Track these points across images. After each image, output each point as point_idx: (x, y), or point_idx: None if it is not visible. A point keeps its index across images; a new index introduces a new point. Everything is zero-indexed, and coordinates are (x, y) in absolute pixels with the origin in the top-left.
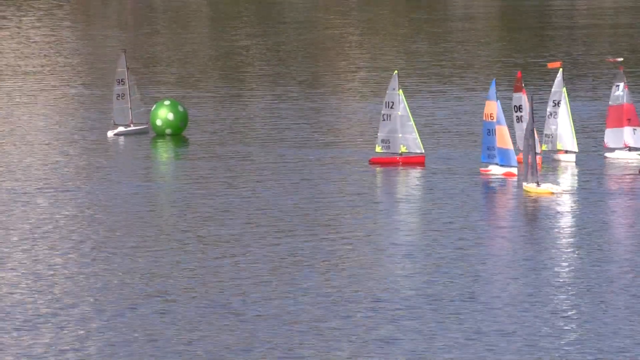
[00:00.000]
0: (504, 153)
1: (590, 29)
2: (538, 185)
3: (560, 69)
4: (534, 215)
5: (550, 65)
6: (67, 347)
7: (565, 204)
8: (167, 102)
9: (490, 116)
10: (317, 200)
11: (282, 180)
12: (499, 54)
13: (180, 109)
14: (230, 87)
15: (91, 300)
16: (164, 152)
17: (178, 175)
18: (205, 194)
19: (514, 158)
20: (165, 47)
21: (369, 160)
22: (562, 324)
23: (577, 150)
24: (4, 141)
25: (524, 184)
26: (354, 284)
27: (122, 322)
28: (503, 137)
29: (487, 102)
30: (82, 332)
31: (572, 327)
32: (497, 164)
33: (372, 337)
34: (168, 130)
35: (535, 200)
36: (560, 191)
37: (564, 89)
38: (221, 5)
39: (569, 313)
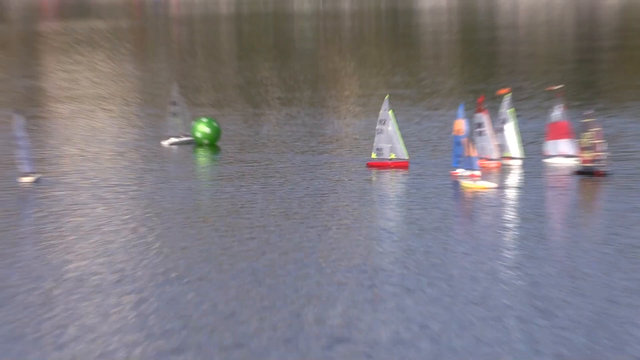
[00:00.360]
0: (469, 160)
1: (531, 59)
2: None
3: (508, 94)
4: (470, 203)
5: (500, 92)
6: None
7: (501, 196)
8: (204, 119)
9: (459, 131)
10: (322, 193)
11: (293, 178)
12: (460, 82)
13: (215, 124)
14: (253, 108)
15: (150, 268)
16: (203, 157)
17: (214, 174)
18: (233, 189)
19: (476, 163)
20: (204, 77)
21: (367, 164)
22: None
23: (522, 156)
24: (84, 151)
25: (462, 181)
26: (344, 257)
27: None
28: (468, 148)
29: (456, 121)
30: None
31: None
32: (464, 168)
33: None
34: (206, 141)
35: (473, 193)
36: (494, 186)
37: (512, 109)
38: (246, 42)
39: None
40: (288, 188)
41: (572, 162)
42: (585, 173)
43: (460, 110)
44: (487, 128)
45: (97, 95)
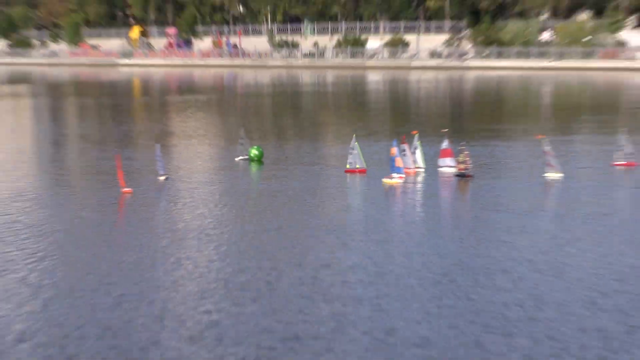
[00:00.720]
0: (398, 169)
1: (427, 115)
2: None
3: (417, 134)
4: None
5: (413, 132)
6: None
7: (406, 187)
8: (255, 146)
9: (393, 153)
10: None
11: (295, 184)
12: (391, 127)
13: (260, 149)
14: (275, 146)
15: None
16: (255, 169)
17: (258, 179)
18: (262, 191)
19: (402, 170)
20: (252, 124)
21: (345, 171)
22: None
23: (425, 167)
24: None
25: (383, 179)
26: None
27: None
28: (399, 161)
29: (391, 148)
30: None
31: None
32: (396, 173)
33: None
34: (255, 159)
35: (388, 188)
36: (401, 181)
37: (419, 141)
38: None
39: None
40: (285, 184)
41: (453, 170)
42: (461, 176)
43: (394, 143)
44: (407, 152)
45: (187, 135)
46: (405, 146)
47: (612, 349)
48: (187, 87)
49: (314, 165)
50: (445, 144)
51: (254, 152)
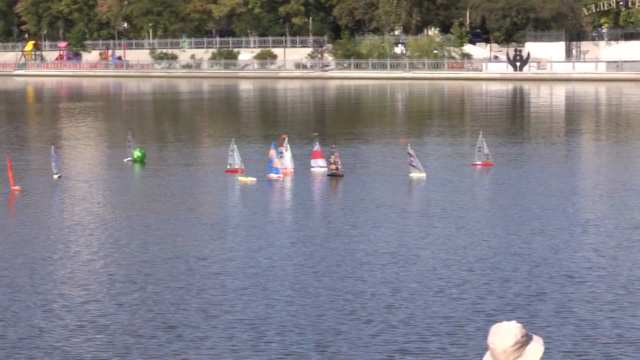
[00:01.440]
0: (276, 169)
1: (295, 122)
2: None
3: (286, 138)
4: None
5: (283, 136)
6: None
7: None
8: (137, 148)
9: (271, 155)
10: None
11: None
12: (263, 131)
13: (143, 151)
14: (158, 148)
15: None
16: (138, 170)
17: (141, 178)
18: (145, 189)
19: (280, 171)
20: (137, 128)
21: (225, 171)
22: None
23: (294, 168)
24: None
25: (239, 177)
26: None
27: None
28: (277, 162)
29: (270, 150)
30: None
31: None
32: (274, 174)
33: None
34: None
35: (242, 185)
36: (254, 180)
37: (289, 145)
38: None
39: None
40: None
41: (324, 170)
42: (332, 175)
43: (272, 146)
44: (284, 154)
45: (90, 137)
46: (283, 148)
47: (459, 334)
48: (77, 95)
49: (193, 166)
50: (316, 146)
51: (136, 153)
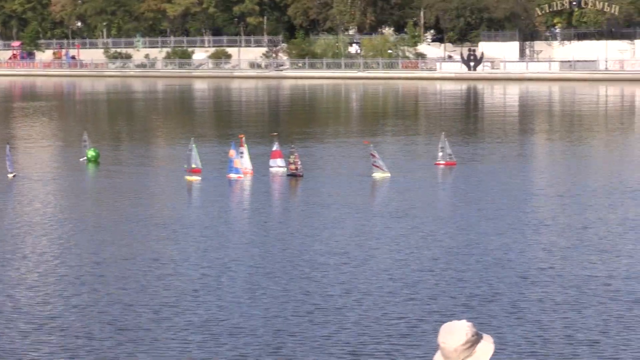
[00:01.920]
0: (236, 169)
1: (251, 122)
2: None
3: (243, 137)
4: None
5: (240, 135)
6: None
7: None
8: (91, 148)
9: (231, 155)
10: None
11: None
12: (215, 127)
13: (97, 151)
14: (112, 147)
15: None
16: (92, 169)
17: (95, 178)
18: (99, 189)
19: (241, 171)
20: (91, 128)
21: (187, 170)
22: None
23: (252, 168)
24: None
25: (186, 176)
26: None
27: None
28: (237, 162)
29: (230, 150)
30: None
31: None
32: (234, 174)
33: None
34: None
35: (190, 185)
36: (199, 179)
37: (246, 145)
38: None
39: None
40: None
41: (284, 170)
42: (292, 175)
43: (232, 145)
44: (244, 154)
45: (45, 137)
46: (243, 148)
47: (412, 334)
48: (30, 95)
49: (148, 166)
50: (275, 146)
51: (91, 153)
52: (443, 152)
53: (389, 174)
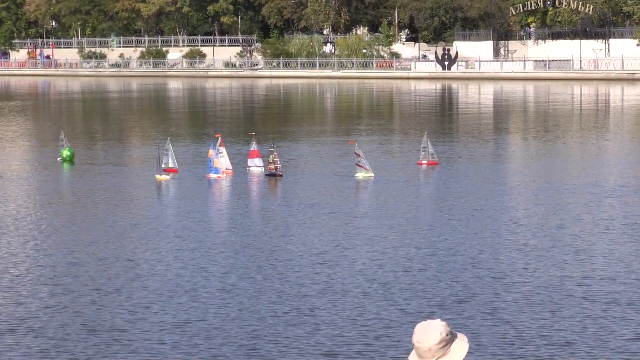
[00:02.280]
0: (216, 169)
1: (226, 120)
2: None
3: (220, 138)
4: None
5: (217, 135)
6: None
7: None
8: (66, 147)
9: (210, 155)
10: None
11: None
12: (190, 127)
13: (72, 150)
14: (87, 147)
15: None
16: (67, 169)
17: (69, 178)
18: (73, 189)
19: (220, 171)
20: (67, 127)
21: (163, 170)
22: None
23: (231, 168)
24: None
25: (156, 175)
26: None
27: None
28: (217, 162)
29: (209, 150)
30: None
31: None
32: (213, 174)
33: None
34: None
35: (159, 183)
36: (168, 178)
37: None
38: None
39: None
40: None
41: (261, 170)
42: (272, 175)
43: (212, 145)
44: (224, 154)
45: (21, 136)
46: (223, 148)
47: (386, 335)
48: (5, 94)
49: (123, 166)
50: (253, 146)
51: (65, 152)
52: (425, 151)
53: (372, 174)
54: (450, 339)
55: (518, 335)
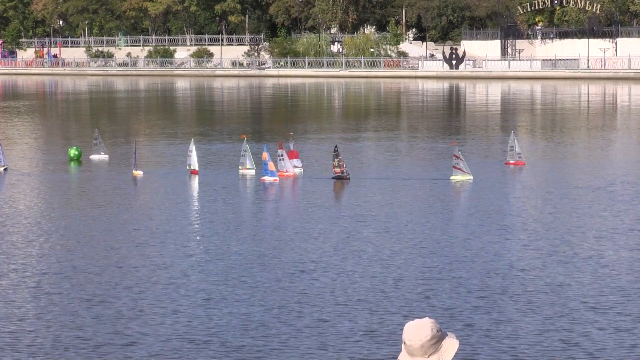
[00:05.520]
0: (272, 172)
1: (256, 121)
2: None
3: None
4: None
5: (242, 136)
6: None
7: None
8: (74, 147)
9: (265, 158)
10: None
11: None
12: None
13: (79, 149)
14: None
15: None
16: (74, 168)
17: (76, 176)
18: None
19: (276, 173)
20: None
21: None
22: None
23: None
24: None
25: (133, 170)
26: None
27: None
28: (271, 165)
29: (263, 153)
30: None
31: None
32: (268, 177)
33: None
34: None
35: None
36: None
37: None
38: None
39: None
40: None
41: (300, 170)
42: (339, 178)
43: (265, 148)
44: (284, 156)
45: (35, 134)
46: (283, 151)
47: (375, 333)
48: (12, 94)
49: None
50: (291, 146)
51: (73, 152)
52: (512, 150)
53: (471, 176)
54: (441, 336)
55: (511, 334)
